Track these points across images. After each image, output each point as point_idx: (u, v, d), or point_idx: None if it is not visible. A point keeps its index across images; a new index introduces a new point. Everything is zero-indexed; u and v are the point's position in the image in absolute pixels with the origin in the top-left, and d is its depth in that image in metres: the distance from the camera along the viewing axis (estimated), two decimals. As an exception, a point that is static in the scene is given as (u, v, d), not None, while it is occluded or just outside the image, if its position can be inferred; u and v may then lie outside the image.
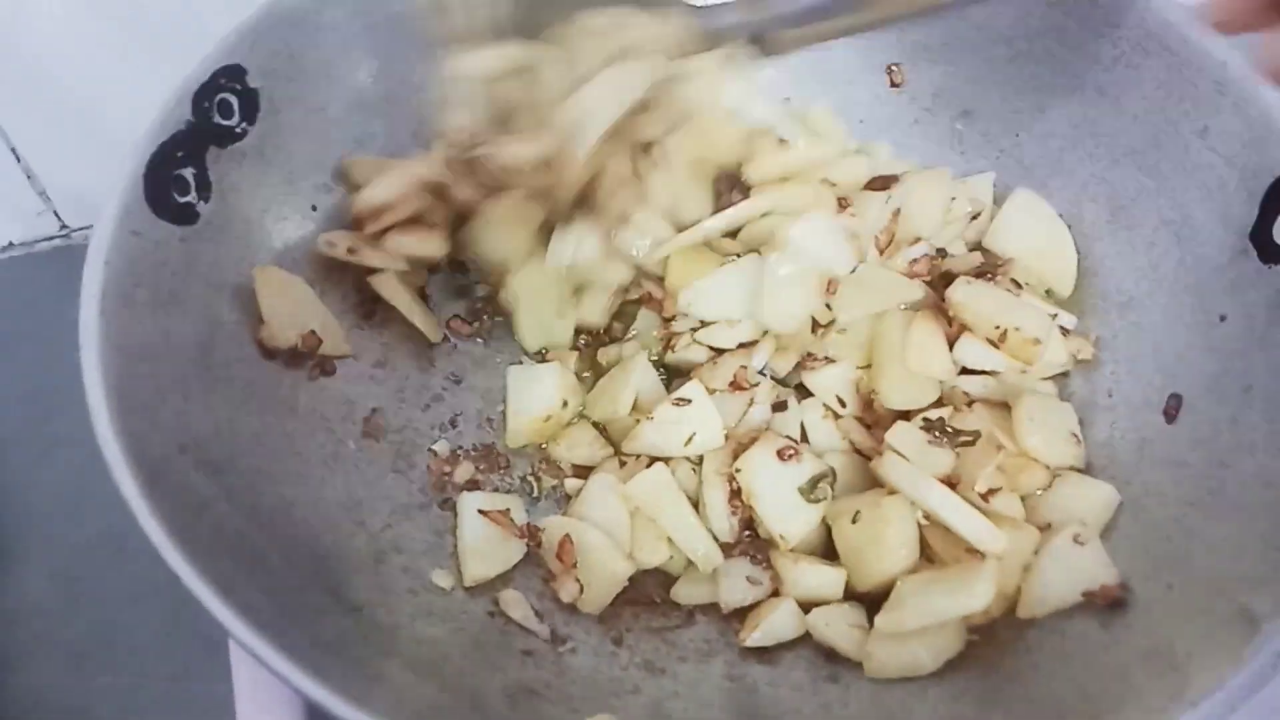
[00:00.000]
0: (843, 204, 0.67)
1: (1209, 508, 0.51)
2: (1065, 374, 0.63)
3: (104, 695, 0.67)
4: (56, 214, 0.85)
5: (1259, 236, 0.55)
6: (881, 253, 0.64)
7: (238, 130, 0.59)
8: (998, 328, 0.60)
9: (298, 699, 0.58)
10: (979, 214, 0.67)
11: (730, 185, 0.70)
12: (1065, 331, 0.63)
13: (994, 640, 0.52)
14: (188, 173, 0.56)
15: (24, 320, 0.82)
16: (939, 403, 0.60)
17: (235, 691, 0.59)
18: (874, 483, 0.58)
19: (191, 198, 0.56)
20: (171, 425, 0.49)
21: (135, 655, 0.68)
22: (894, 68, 0.73)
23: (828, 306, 0.62)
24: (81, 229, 0.86)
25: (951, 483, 0.54)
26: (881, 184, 0.68)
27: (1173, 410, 0.57)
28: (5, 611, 0.70)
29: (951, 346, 0.61)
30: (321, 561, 0.52)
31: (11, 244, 0.86)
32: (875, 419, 0.59)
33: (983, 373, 0.61)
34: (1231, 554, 0.48)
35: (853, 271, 0.63)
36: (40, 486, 0.74)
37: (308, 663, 0.40)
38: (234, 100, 0.59)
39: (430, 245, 0.62)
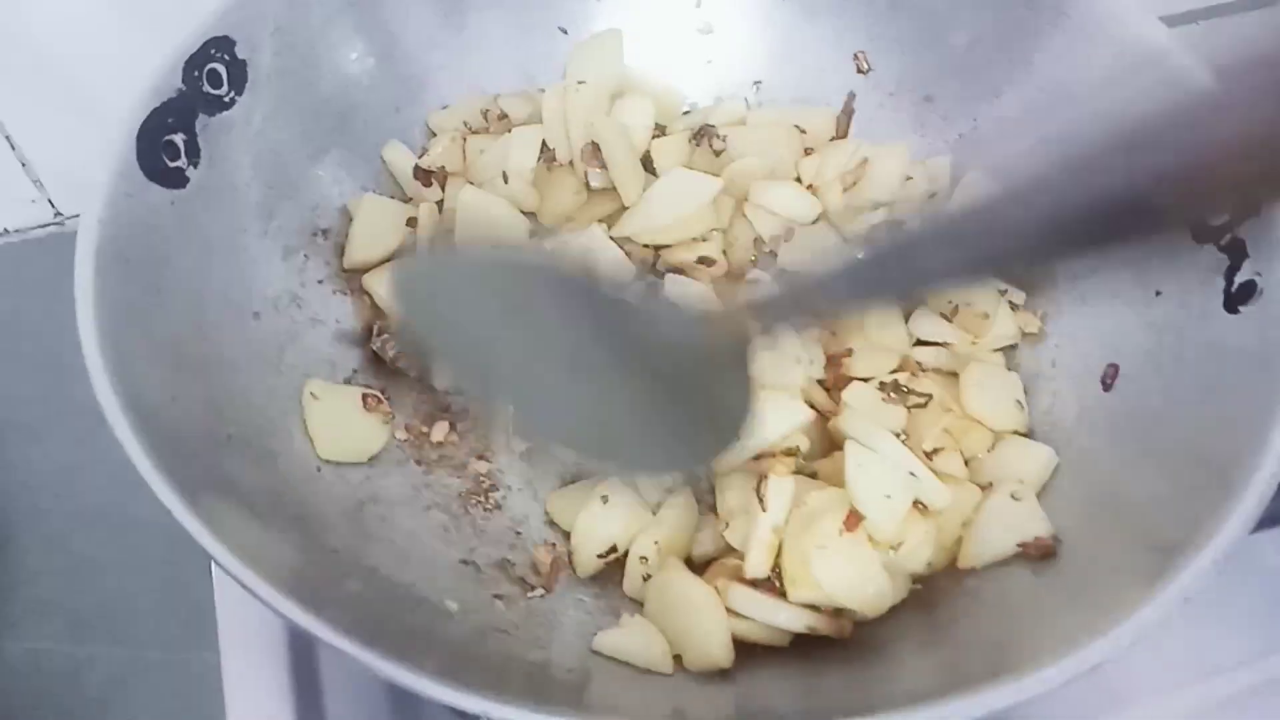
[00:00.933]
0: (808, 152, 0.70)
1: (1139, 468, 0.55)
2: (1013, 346, 0.67)
3: (98, 663, 0.68)
4: (50, 201, 0.86)
5: (1192, 217, 0.58)
6: (845, 191, 0.68)
7: (226, 99, 0.61)
8: (950, 302, 0.64)
9: (284, 656, 0.61)
10: (935, 194, 0.71)
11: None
12: (1014, 306, 0.67)
13: (934, 588, 0.56)
14: (178, 138, 0.58)
15: (19, 304, 0.83)
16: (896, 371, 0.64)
17: (221, 645, 0.62)
18: (832, 447, 0.61)
19: (181, 163, 0.58)
20: (165, 379, 0.52)
21: (130, 624, 0.69)
22: (860, 55, 0.76)
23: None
24: (74, 216, 0.87)
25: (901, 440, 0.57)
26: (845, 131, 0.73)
27: (1110, 379, 0.60)
28: (2, 581, 0.71)
29: (907, 319, 0.65)
30: (302, 507, 0.55)
31: (6, 231, 0.87)
32: (835, 381, 0.63)
33: (936, 344, 0.65)
34: (1156, 509, 0.51)
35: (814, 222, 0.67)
36: (38, 462, 0.76)
37: (289, 590, 0.43)
38: (223, 70, 0.61)
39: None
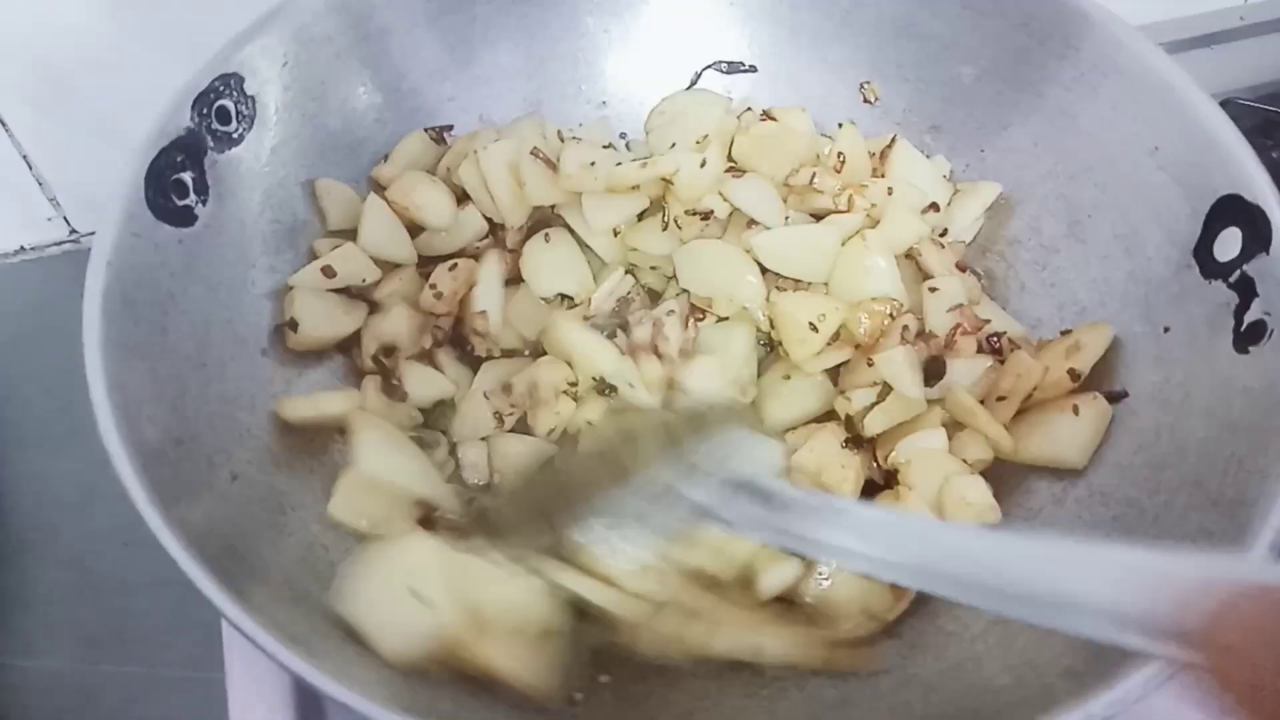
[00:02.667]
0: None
1: (1144, 508, 0.55)
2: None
3: (112, 682, 0.69)
4: (66, 219, 0.87)
5: (1201, 252, 0.58)
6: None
7: (235, 136, 0.62)
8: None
9: (287, 680, 0.61)
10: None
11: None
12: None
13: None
14: (187, 176, 0.59)
15: (36, 321, 0.84)
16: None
17: (227, 677, 0.62)
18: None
19: (190, 200, 0.59)
20: (168, 420, 0.52)
21: (143, 643, 0.70)
22: (866, 85, 0.76)
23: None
24: (89, 234, 0.88)
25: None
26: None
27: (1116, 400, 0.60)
28: (19, 599, 0.72)
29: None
30: (309, 550, 0.55)
31: (23, 248, 0.89)
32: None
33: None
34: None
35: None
36: (54, 480, 0.76)
37: (295, 643, 0.43)
38: (232, 106, 0.61)
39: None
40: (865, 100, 0.76)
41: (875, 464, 0.62)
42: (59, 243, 0.89)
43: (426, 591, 0.50)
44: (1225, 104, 0.94)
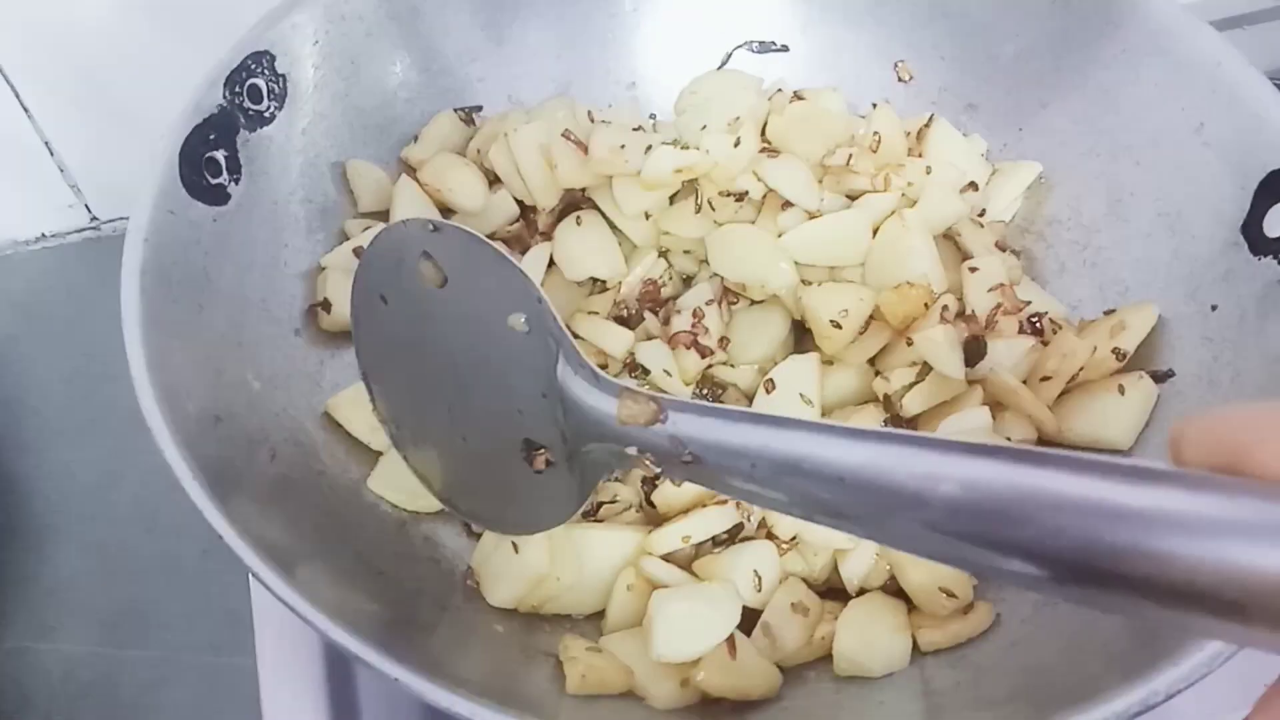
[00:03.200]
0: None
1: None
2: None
3: (133, 666, 0.69)
4: (87, 207, 0.87)
5: (1250, 229, 0.57)
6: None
7: (267, 114, 0.61)
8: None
9: (318, 659, 0.61)
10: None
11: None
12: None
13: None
14: (219, 155, 0.58)
15: (58, 308, 0.84)
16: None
17: (258, 658, 0.62)
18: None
19: (223, 179, 0.58)
20: (206, 397, 0.51)
21: (165, 628, 0.70)
22: (901, 64, 0.75)
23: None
24: (110, 221, 0.88)
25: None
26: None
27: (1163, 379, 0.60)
28: (41, 584, 0.72)
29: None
30: (348, 529, 0.54)
31: (44, 235, 0.88)
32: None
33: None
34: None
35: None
36: (78, 465, 0.76)
37: (332, 609, 0.43)
38: (263, 85, 0.61)
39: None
40: (899, 79, 0.75)
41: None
42: (80, 230, 0.89)
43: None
44: (1261, 85, 0.93)
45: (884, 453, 0.33)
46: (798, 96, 0.72)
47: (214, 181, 0.58)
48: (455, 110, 0.71)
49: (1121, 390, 0.58)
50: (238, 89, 0.59)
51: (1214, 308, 0.58)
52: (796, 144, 0.68)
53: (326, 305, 0.62)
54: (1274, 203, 0.56)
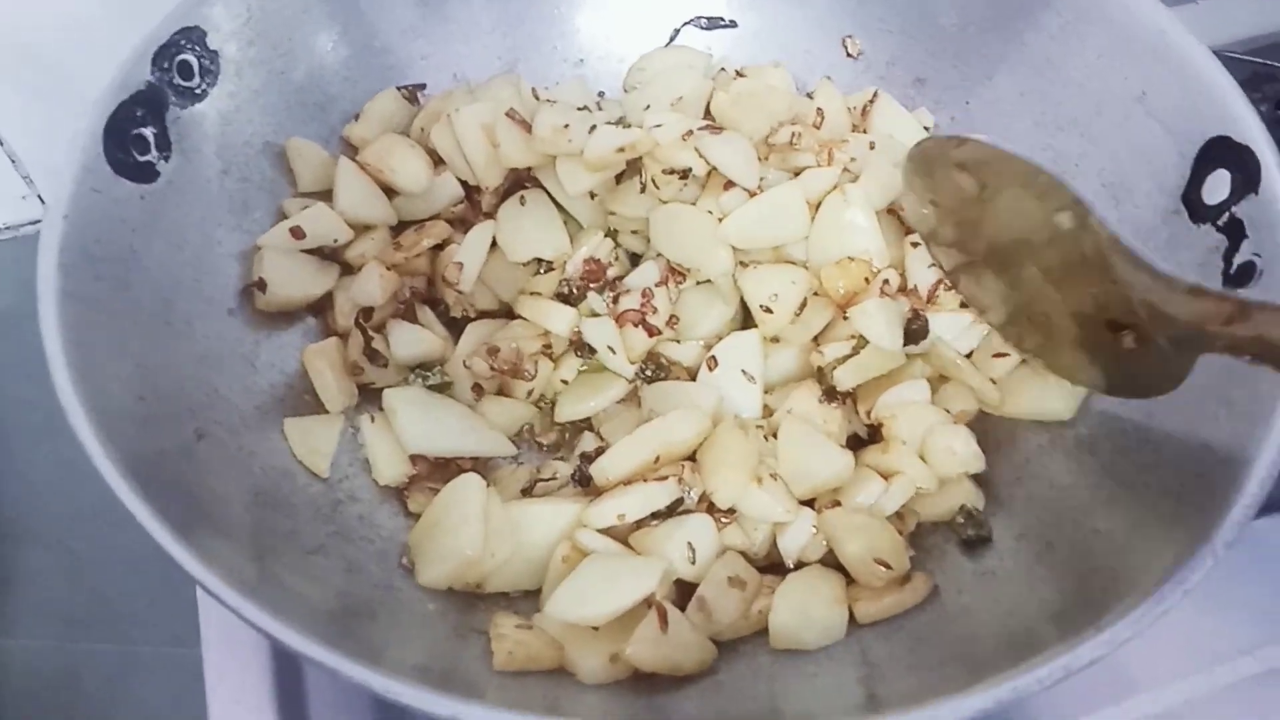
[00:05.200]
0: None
1: (1134, 458, 0.54)
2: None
3: (94, 660, 0.69)
4: (40, 198, 0.86)
5: (1190, 197, 0.57)
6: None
7: (198, 91, 0.60)
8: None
9: (264, 646, 0.60)
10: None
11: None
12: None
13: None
14: (148, 131, 0.57)
15: (17, 300, 0.83)
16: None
17: (203, 644, 0.61)
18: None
19: (152, 156, 0.57)
20: (131, 376, 0.50)
21: (126, 623, 0.70)
22: (849, 40, 0.75)
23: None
24: (65, 213, 0.88)
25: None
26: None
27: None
28: (2, 579, 0.72)
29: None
30: (280, 509, 0.53)
31: (2, 227, 0.88)
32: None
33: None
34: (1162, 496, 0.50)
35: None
36: (37, 461, 0.76)
37: (258, 597, 0.42)
38: (194, 61, 0.60)
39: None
40: (848, 54, 0.75)
41: (861, 418, 0.61)
42: (34, 221, 0.88)
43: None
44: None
45: None
46: (740, 74, 0.71)
47: (142, 159, 0.57)
48: (398, 88, 0.70)
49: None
50: (167, 65, 0.58)
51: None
52: (741, 121, 0.68)
53: (262, 285, 0.61)
54: (1213, 169, 0.56)
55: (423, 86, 0.72)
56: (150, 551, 0.68)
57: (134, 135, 0.56)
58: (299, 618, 0.42)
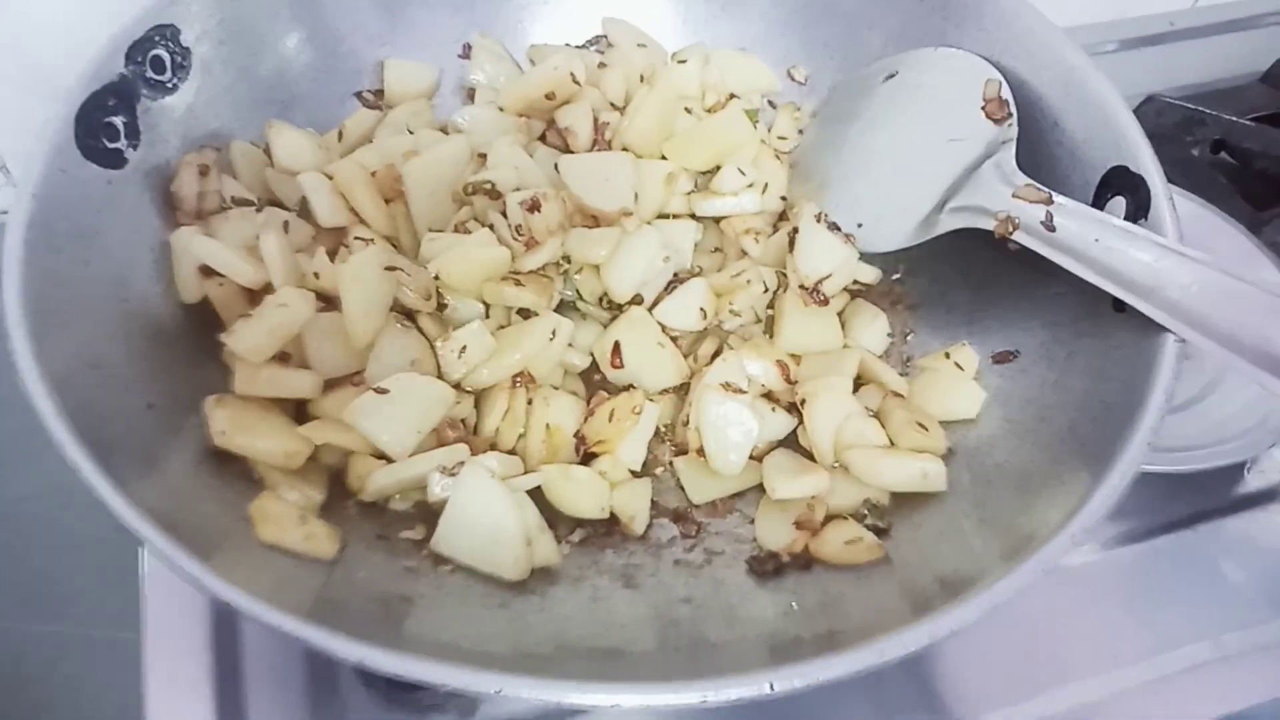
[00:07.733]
0: None
1: (1028, 454, 0.58)
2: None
3: (39, 642, 0.70)
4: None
5: (1092, 218, 0.61)
6: None
7: (169, 85, 0.64)
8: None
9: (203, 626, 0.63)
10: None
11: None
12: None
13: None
14: (118, 120, 0.60)
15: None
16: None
17: (143, 623, 0.63)
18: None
19: (121, 144, 0.61)
20: (84, 343, 0.53)
21: (72, 603, 0.71)
22: (793, 70, 0.79)
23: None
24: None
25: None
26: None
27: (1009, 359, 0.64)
28: None
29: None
30: (220, 476, 0.56)
31: (-21, 214, 0.90)
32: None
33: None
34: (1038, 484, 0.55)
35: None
36: None
37: (200, 552, 0.45)
38: (166, 56, 0.63)
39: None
40: (793, 80, 0.79)
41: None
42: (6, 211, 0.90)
43: None
44: (1150, 101, 0.98)
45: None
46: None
47: (111, 145, 0.60)
48: (357, 94, 0.74)
49: (960, 367, 0.63)
50: (140, 59, 0.62)
51: (1058, 294, 0.62)
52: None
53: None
54: (1112, 196, 0.60)
55: (380, 93, 0.76)
56: (101, 535, 0.70)
57: (105, 123, 0.60)
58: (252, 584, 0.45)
